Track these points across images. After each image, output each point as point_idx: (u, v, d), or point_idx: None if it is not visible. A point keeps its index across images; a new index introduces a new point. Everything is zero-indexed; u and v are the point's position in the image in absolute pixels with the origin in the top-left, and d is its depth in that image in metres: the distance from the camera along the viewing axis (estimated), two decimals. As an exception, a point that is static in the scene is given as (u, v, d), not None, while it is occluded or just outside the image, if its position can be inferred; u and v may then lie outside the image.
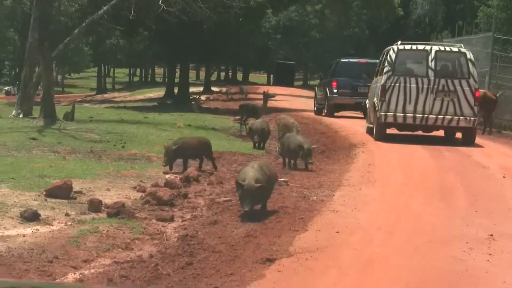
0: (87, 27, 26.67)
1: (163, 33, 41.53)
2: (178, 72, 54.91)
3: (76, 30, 26.96)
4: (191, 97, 48.84)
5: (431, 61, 19.89)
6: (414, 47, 20.55)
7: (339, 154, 18.41)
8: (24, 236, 9.17)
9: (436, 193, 12.99)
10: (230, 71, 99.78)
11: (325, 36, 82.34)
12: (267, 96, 24.13)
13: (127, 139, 19.62)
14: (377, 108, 20.21)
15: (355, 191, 13.11)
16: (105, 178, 13.41)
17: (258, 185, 10.43)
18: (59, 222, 10.08)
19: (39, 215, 10.15)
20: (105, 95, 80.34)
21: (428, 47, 20.31)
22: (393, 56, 20.03)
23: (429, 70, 19.87)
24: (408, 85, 19.78)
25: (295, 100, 49.34)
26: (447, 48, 21.00)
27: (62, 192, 11.55)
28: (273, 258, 8.53)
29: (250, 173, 10.65)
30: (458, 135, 21.05)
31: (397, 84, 19.79)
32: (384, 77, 20.03)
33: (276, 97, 47.23)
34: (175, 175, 14.33)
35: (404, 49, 20.28)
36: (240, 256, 8.71)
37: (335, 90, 29.36)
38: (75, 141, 18.36)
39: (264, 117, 30.03)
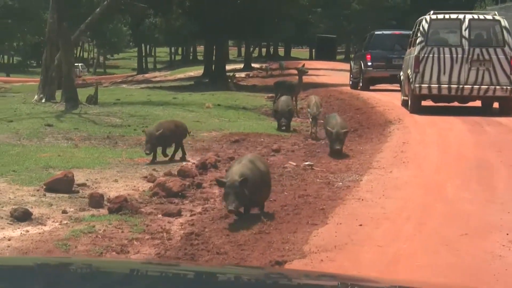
0: (109, 7, 25.68)
1: (197, 9, 40.47)
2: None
3: (98, 10, 26.00)
4: (230, 75, 47.88)
5: (465, 30, 19.01)
6: (447, 16, 19.67)
7: (373, 132, 17.26)
8: (9, 239, 8.28)
9: (474, 175, 11.81)
10: (271, 47, 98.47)
11: (366, 7, 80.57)
12: (301, 72, 22.92)
13: (151, 122, 18.65)
14: (411, 80, 19.40)
15: (385, 174, 12.00)
16: (115, 167, 12.47)
17: (241, 178, 8.67)
18: (53, 221, 9.16)
19: (31, 214, 9.25)
20: (146, 75, 79.67)
21: (461, 16, 19.35)
22: (426, 26, 19.18)
23: (463, 39, 19.00)
24: (442, 55, 18.98)
25: (336, 74, 47.97)
26: (481, 16, 20.05)
27: (62, 185, 10.63)
28: (283, 261, 7.50)
29: (235, 167, 9.01)
30: (496, 105, 19.89)
31: (431, 55, 19.02)
32: (417, 48, 19.21)
33: (317, 72, 46.17)
34: (192, 162, 13.30)
35: (437, 19, 19.42)
36: (247, 259, 7.70)
37: (369, 63, 28.47)
38: (93, 126, 17.46)
39: (301, 93, 29.01)
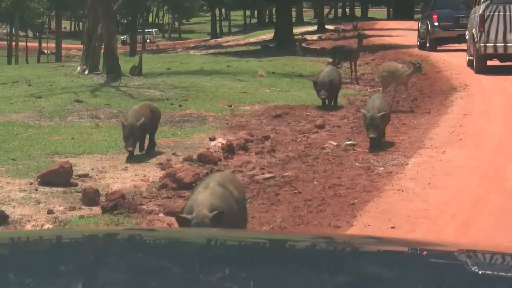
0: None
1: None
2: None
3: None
4: (300, 37, 46.11)
5: (532, -15, 17.59)
6: (512, -28, 18.25)
7: (433, 101, 15.52)
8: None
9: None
10: (348, 7, 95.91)
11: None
12: (360, 36, 21.14)
13: (193, 94, 17.27)
14: (476, 39, 18.46)
15: (436, 155, 10.35)
16: (126, 154, 11.06)
17: (213, 213, 5.58)
18: (33, 225, 7.81)
19: (7, 217, 7.92)
20: (219, 40, 78.39)
21: (527, -28, 17.89)
22: (491, -17, 17.77)
23: (530, -4, 17.53)
24: (508, 13, 17.78)
25: (411, 34, 45.63)
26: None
27: (58, 177, 9.30)
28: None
29: (201, 197, 5.79)
30: None
31: (496, 13, 17.85)
32: (482, 7, 18.01)
33: (392, 33, 44.04)
34: (220, 143, 11.82)
35: (502, -24, 18.04)
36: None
37: (436, 23, 27.35)
38: (128, 101, 16.11)
39: (361, 59, 27.21)
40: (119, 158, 10.72)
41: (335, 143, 11.59)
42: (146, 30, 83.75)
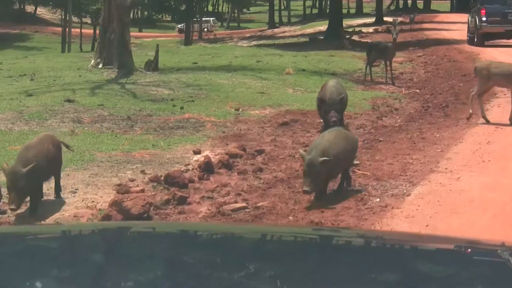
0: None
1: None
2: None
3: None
4: (352, 30, 44.24)
5: None
6: None
7: (466, 110, 13.60)
8: None
9: None
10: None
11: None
12: (395, 33, 19.17)
13: (203, 94, 15.69)
14: None
15: (448, 183, 8.57)
16: (93, 168, 9.55)
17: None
18: None
19: None
20: (275, 30, 76.68)
21: None
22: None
23: None
24: None
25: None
26: None
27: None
28: None
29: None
30: None
31: None
32: None
33: (451, 26, 41.81)
34: (204, 157, 10.16)
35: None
36: None
37: (484, 18, 26.67)
38: (126, 102, 14.56)
39: (406, 55, 25.29)
40: (74, 176, 9.15)
41: (333, 162, 9.80)
42: (203, 18, 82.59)
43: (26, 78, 17.99)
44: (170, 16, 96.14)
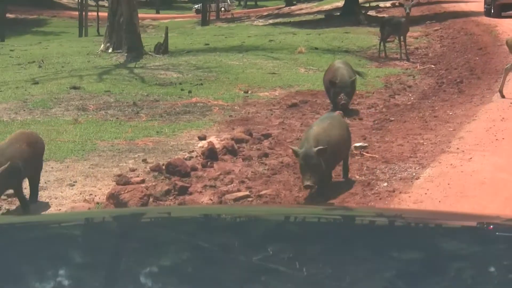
0: None
1: None
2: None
3: None
4: (368, 5, 43.68)
5: None
6: None
7: (481, 84, 13.28)
8: None
9: None
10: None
11: None
12: (408, 8, 18.63)
13: (213, 77, 15.39)
14: None
15: (459, 164, 8.25)
16: (94, 157, 9.30)
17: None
18: None
19: None
20: (293, 7, 76.07)
21: None
22: None
23: None
24: None
25: None
26: None
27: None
28: None
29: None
30: None
31: None
32: None
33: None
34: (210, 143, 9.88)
35: None
36: None
37: None
38: (134, 87, 14.28)
39: (423, 29, 24.84)
40: (74, 167, 8.90)
41: (342, 145, 9.49)
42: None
43: (35, 65, 17.74)
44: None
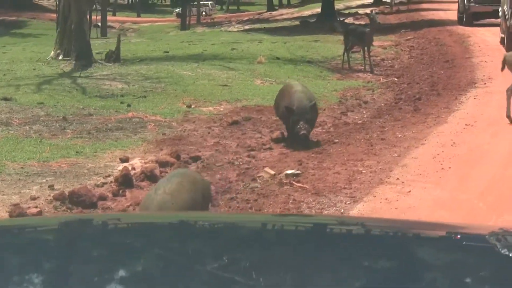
0: None
1: None
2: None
3: None
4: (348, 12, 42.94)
5: None
6: None
7: (440, 102, 12.45)
8: None
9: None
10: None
11: None
12: (373, 20, 17.70)
13: (159, 88, 14.49)
14: (507, 17, 17.23)
15: (395, 199, 7.40)
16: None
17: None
18: None
19: None
20: (273, 13, 75.28)
21: None
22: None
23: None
24: None
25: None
26: None
27: None
28: None
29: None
30: None
31: None
32: None
33: (452, 6, 40.39)
34: (131, 166, 8.94)
35: None
36: None
37: None
38: (72, 98, 13.33)
39: (396, 37, 24.04)
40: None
41: (272, 172, 8.58)
42: (202, 2, 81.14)
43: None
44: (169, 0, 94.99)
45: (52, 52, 18.65)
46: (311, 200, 7.55)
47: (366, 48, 17.52)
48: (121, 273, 1.79)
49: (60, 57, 18.25)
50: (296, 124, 9.74)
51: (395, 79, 16.11)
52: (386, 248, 2.01)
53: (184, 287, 1.68)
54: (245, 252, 1.93)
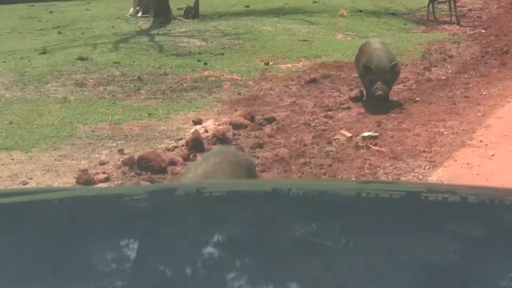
0: None
1: None
2: None
3: None
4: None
5: None
6: None
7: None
8: None
9: None
10: None
11: None
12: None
13: (238, 45, 14.19)
14: None
15: (477, 163, 7.02)
16: (67, 146, 8.24)
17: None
18: None
19: None
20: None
21: None
22: None
23: None
24: None
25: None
26: None
27: None
28: None
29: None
30: None
31: None
32: None
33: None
34: (205, 128, 8.72)
35: None
36: None
37: None
38: (149, 57, 13.13)
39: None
40: (38, 159, 7.84)
41: (348, 135, 8.23)
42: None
43: (57, 31, 16.73)
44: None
45: (132, 9, 18.49)
46: (388, 165, 7.18)
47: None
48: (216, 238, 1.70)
49: (139, 14, 18.06)
50: (373, 84, 9.21)
51: (483, 30, 15.43)
52: (478, 215, 1.89)
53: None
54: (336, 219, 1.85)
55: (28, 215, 1.87)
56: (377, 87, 9.12)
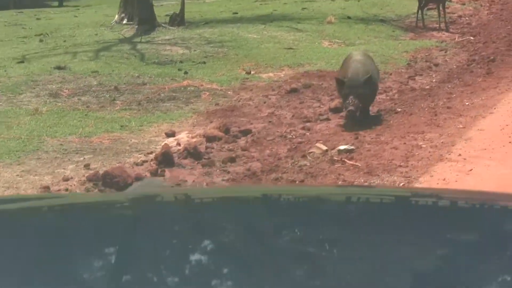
0: None
1: None
2: None
3: None
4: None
5: None
6: None
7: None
8: None
9: None
10: None
11: None
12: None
13: (221, 53, 13.91)
14: None
15: (454, 179, 6.79)
16: (31, 161, 7.94)
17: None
18: None
19: None
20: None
21: None
22: None
23: None
24: None
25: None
26: None
27: None
28: None
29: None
30: None
31: None
32: None
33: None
34: (177, 141, 8.44)
35: None
36: None
37: None
38: (129, 66, 12.85)
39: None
40: (0, 175, 7.52)
41: (324, 148, 7.94)
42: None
43: (36, 39, 16.44)
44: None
45: (117, 16, 18.22)
46: (362, 180, 6.90)
47: (441, 5, 16.56)
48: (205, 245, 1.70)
49: (124, 21, 17.79)
50: (345, 99, 8.81)
51: (471, 37, 15.17)
52: (469, 219, 1.91)
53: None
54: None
55: (12, 223, 1.86)
56: (349, 101, 8.67)
